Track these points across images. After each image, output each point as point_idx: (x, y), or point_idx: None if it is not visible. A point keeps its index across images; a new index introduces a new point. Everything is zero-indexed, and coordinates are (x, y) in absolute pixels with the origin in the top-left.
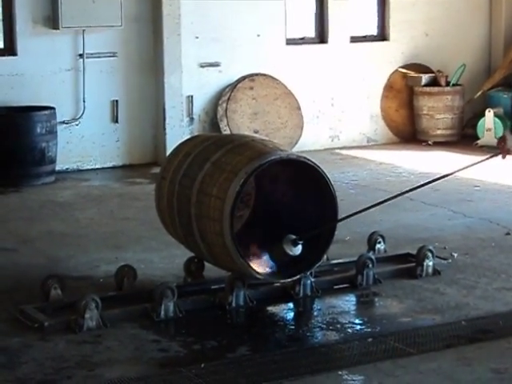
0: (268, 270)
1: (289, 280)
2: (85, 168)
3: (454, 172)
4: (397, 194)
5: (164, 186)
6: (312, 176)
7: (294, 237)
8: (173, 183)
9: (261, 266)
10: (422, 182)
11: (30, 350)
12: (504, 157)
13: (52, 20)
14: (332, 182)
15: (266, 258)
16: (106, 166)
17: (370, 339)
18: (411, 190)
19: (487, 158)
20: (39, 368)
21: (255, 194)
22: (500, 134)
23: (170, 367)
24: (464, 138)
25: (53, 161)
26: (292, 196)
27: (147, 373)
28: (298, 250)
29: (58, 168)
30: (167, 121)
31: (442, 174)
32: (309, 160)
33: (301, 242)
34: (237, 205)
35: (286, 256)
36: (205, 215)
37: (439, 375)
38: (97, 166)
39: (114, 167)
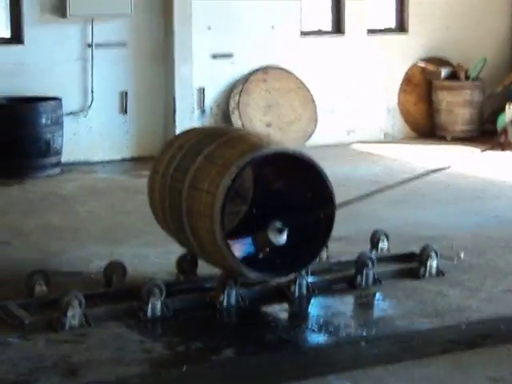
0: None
1: (283, 279)
2: (92, 160)
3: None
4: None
5: (156, 180)
6: (309, 170)
7: (279, 225)
8: (165, 177)
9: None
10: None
11: (6, 348)
12: (503, 148)
13: (60, 8)
14: (328, 177)
15: (247, 244)
16: (114, 158)
17: (362, 343)
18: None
19: (468, 158)
20: (13, 368)
21: (253, 189)
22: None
23: (150, 369)
24: (484, 133)
25: (58, 152)
26: (290, 191)
27: (126, 375)
28: (282, 239)
29: (64, 160)
30: (177, 113)
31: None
32: (304, 154)
33: (286, 231)
34: (228, 200)
35: (269, 244)
36: (196, 211)
37: (431, 383)
38: (105, 159)
39: (122, 160)
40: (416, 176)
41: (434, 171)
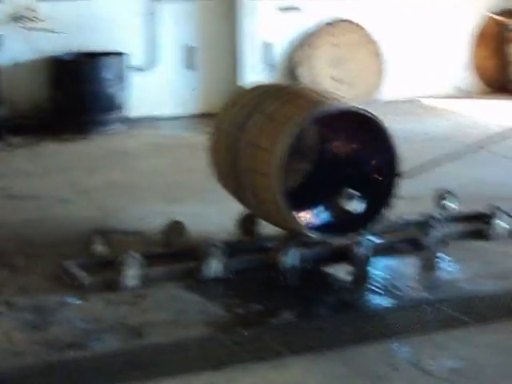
0: (321, 225)
1: (346, 239)
2: (157, 116)
3: None
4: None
5: (216, 138)
6: (373, 128)
7: (354, 192)
8: (225, 135)
9: (314, 221)
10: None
11: (65, 309)
12: None
13: None
14: (392, 136)
15: (322, 213)
16: (179, 114)
17: (426, 307)
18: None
19: None
20: (70, 329)
21: (317, 147)
22: None
23: (209, 332)
24: None
25: (123, 108)
26: (354, 149)
27: (182, 338)
28: (358, 206)
29: (130, 115)
30: (243, 68)
31: None
32: (368, 112)
33: (361, 199)
34: (288, 159)
35: (345, 213)
36: (255, 169)
37: (496, 350)
38: (170, 114)
39: (189, 115)
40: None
41: None
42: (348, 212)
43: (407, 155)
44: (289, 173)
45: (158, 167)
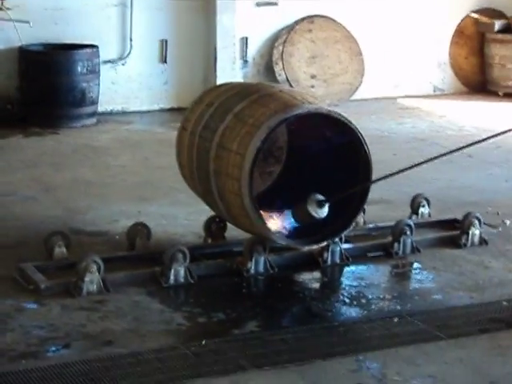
0: (285, 229)
1: (314, 246)
2: (130, 110)
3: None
4: (445, 153)
5: (184, 138)
6: (345, 132)
7: (320, 197)
8: (193, 135)
9: (281, 225)
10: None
11: (20, 315)
12: None
13: None
14: (366, 140)
15: (287, 217)
16: (152, 108)
17: (395, 319)
18: (462, 147)
19: None
20: (24, 337)
21: (287, 149)
22: None
23: (167, 343)
24: None
25: (94, 102)
26: (325, 152)
27: (140, 348)
28: (323, 212)
29: (101, 109)
30: (218, 63)
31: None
32: (340, 115)
33: (327, 204)
34: (257, 162)
35: (309, 218)
36: (223, 172)
37: (466, 366)
38: (143, 109)
39: (161, 110)
40: (484, 139)
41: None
42: (312, 217)
43: (383, 157)
44: (260, 176)
45: (127, 164)
